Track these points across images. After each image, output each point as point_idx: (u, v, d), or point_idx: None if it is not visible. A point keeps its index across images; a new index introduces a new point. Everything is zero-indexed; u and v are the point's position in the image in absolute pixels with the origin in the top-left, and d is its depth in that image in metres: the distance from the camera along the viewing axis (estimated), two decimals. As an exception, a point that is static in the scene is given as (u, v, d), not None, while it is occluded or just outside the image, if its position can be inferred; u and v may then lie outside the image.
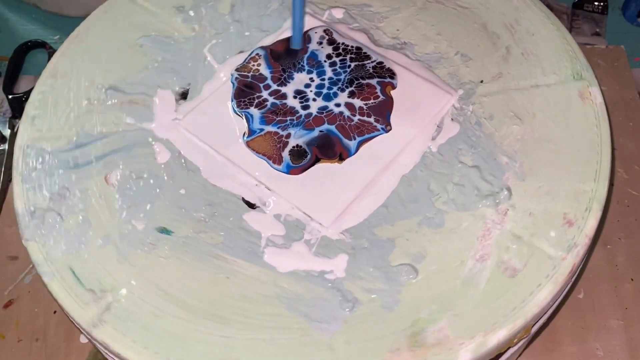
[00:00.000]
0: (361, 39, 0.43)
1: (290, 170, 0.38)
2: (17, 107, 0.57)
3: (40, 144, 0.38)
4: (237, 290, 0.33)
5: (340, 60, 0.42)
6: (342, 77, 0.41)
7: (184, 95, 0.41)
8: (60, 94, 0.41)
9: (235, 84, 0.41)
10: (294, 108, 0.40)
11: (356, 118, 0.40)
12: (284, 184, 0.37)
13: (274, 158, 0.38)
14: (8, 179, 0.53)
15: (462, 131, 0.38)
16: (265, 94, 0.40)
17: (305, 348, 0.31)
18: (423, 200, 0.36)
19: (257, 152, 0.38)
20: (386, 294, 0.32)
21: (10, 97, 0.59)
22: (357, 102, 0.40)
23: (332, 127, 0.39)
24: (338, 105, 0.40)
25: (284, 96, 0.40)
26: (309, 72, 0.41)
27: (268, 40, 0.43)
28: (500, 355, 0.34)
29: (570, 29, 0.64)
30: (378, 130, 0.39)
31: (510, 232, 0.34)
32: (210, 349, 0.31)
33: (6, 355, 0.44)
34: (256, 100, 0.40)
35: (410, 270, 0.33)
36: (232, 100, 0.40)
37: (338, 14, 0.44)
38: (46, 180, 0.37)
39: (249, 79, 0.41)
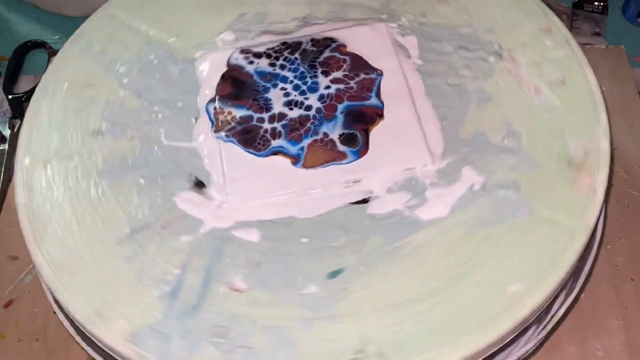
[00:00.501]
0: (271, 39, 0.44)
1: (360, 153, 0.38)
2: (17, 107, 0.58)
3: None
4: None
5: (284, 60, 0.43)
6: (302, 69, 0.42)
7: (200, 184, 0.38)
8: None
9: (235, 139, 0.39)
10: (301, 115, 0.40)
11: (352, 83, 0.41)
12: (371, 164, 0.38)
13: (338, 157, 0.38)
14: (8, 179, 0.53)
15: (421, 37, 0.44)
16: (267, 125, 0.40)
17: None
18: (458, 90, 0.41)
19: (321, 164, 0.38)
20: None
21: (10, 97, 0.59)
22: (337, 74, 0.42)
23: (345, 103, 0.41)
24: (328, 87, 0.41)
25: (282, 115, 0.40)
26: (274, 85, 0.42)
27: (205, 96, 0.41)
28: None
29: (571, 29, 0.64)
30: (375, 77, 0.42)
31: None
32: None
33: (6, 355, 0.44)
34: (268, 134, 0.40)
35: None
36: (250, 152, 0.39)
37: (229, 36, 0.44)
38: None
39: (240, 127, 0.40)
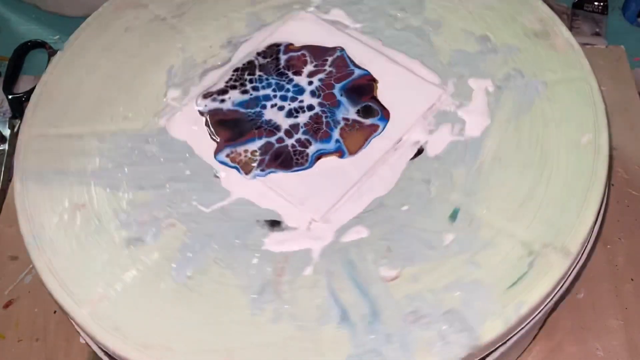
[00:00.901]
0: (219, 73, 0.43)
1: (385, 117, 0.40)
2: (17, 107, 0.58)
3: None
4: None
5: (251, 82, 0.42)
6: (274, 81, 0.42)
7: (274, 224, 0.37)
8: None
9: (273, 169, 0.38)
10: (310, 115, 0.41)
11: (327, 67, 0.42)
12: (400, 121, 0.40)
13: (371, 130, 0.40)
14: (8, 179, 0.53)
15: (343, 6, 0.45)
16: (290, 141, 0.39)
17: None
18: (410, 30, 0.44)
19: (363, 145, 0.39)
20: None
21: (10, 97, 0.59)
22: (308, 67, 0.43)
23: (338, 86, 0.42)
24: (310, 82, 0.42)
25: (295, 125, 0.40)
26: (263, 107, 0.41)
27: (205, 151, 0.39)
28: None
29: (571, 29, 0.63)
30: (340, 53, 0.43)
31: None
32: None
33: (6, 355, 0.44)
34: (298, 146, 0.39)
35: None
36: (296, 170, 0.38)
37: (174, 92, 0.43)
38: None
39: (268, 155, 0.39)
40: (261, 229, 0.36)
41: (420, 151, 0.39)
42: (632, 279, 0.45)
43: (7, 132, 0.57)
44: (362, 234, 0.36)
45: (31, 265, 0.46)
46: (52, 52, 0.61)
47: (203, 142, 0.40)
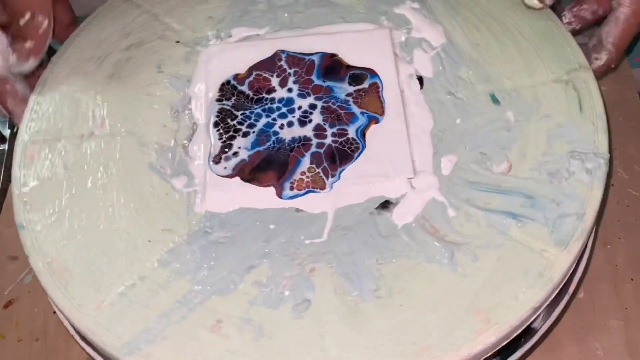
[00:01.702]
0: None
1: (374, 74, 0.44)
2: (17, 107, 0.57)
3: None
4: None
5: (244, 119, 0.43)
6: (259, 107, 0.43)
7: (385, 205, 0.39)
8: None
9: (342, 168, 0.41)
10: (320, 109, 0.43)
11: (289, 70, 0.45)
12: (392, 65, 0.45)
13: (375, 89, 0.44)
14: (8, 179, 0.53)
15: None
16: (327, 140, 0.42)
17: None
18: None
19: (381, 104, 0.43)
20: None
21: (9, 97, 0.59)
22: (273, 81, 0.45)
23: (315, 74, 0.45)
24: (290, 90, 0.44)
25: (318, 127, 0.42)
26: (275, 133, 0.42)
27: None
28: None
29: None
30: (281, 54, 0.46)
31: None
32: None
33: (6, 355, 0.45)
34: (339, 146, 0.42)
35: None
36: (345, 167, 0.41)
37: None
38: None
39: (325, 156, 0.41)
40: (381, 216, 0.38)
41: (420, 79, 0.44)
42: (632, 279, 0.47)
43: (7, 132, 0.57)
44: (453, 159, 0.39)
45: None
46: (52, 52, 0.61)
47: (257, 195, 0.40)
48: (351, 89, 0.44)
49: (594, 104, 0.41)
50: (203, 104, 0.44)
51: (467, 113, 0.42)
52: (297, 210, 0.39)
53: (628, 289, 0.47)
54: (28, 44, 0.43)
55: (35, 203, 0.40)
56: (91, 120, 0.44)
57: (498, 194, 0.38)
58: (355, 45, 0.46)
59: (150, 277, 0.37)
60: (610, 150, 0.39)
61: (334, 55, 0.46)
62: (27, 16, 0.42)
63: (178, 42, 0.48)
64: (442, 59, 0.45)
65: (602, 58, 0.44)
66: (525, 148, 0.40)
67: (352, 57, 0.45)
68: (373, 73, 0.44)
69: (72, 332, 0.39)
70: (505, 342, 0.35)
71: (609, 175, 0.38)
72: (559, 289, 0.36)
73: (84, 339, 0.39)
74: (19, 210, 0.40)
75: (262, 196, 0.40)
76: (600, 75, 0.44)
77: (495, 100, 0.42)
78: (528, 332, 0.38)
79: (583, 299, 0.47)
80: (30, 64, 0.44)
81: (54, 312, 0.46)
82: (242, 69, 0.46)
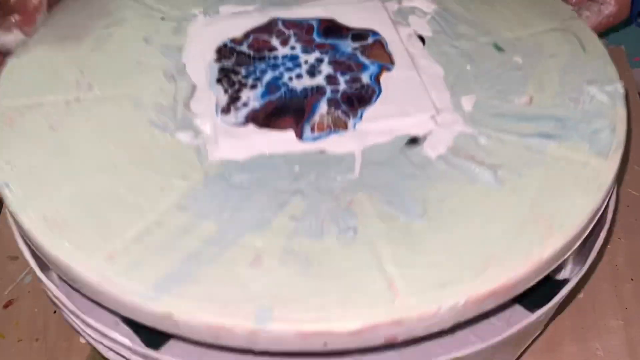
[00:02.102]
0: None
1: (377, 34, 0.44)
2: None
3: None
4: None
5: (249, 73, 0.41)
6: (264, 63, 0.42)
7: (414, 141, 0.37)
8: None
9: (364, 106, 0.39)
10: (329, 61, 0.42)
11: (288, 32, 0.44)
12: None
13: (381, 45, 0.43)
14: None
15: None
16: (342, 87, 0.40)
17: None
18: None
19: (391, 59, 0.42)
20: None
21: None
22: (276, 40, 0.44)
23: (316, 34, 0.44)
24: (293, 48, 0.43)
25: (331, 77, 0.41)
26: (285, 84, 0.40)
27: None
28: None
29: None
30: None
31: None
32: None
33: (6, 355, 0.42)
34: (355, 91, 0.40)
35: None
36: (365, 108, 0.39)
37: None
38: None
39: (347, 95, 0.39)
40: (412, 150, 0.36)
41: (422, 38, 0.44)
42: (632, 279, 0.46)
43: None
44: (472, 98, 0.38)
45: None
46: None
47: (276, 139, 0.37)
48: (355, 44, 0.43)
49: (595, 44, 0.42)
50: (201, 66, 0.41)
51: (475, 60, 0.42)
52: (321, 152, 0.36)
53: (628, 289, 0.46)
54: (14, 17, 0.42)
55: (20, 161, 0.35)
56: (75, 87, 0.40)
57: (527, 122, 0.38)
58: (351, 14, 0.45)
59: (167, 221, 0.33)
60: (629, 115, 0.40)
61: (330, 20, 0.45)
62: None
63: (163, 18, 0.46)
64: (438, 21, 0.45)
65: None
66: (541, 82, 0.40)
67: (350, 22, 0.45)
68: (374, 32, 0.44)
69: (78, 325, 0.33)
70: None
71: (629, 109, 0.38)
72: (609, 197, 0.35)
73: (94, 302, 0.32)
74: (3, 167, 0.35)
75: (282, 139, 0.37)
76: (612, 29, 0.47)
77: (499, 48, 0.42)
78: (558, 284, 0.36)
79: (583, 299, 0.46)
80: (13, 37, 0.43)
81: (54, 311, 0.44)
82: (237, 34, 0.44)
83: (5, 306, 0.46)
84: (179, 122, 0.38)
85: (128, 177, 0.35)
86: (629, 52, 0.61)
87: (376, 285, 0.30)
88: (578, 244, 0.33)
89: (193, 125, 0.38)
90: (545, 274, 0.32)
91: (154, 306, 0.29)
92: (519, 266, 0.30)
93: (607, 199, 0.34)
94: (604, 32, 0.50)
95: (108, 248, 0.31)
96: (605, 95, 0.38)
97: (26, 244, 0.35)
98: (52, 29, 0.45)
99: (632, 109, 0.56)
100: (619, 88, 0.39)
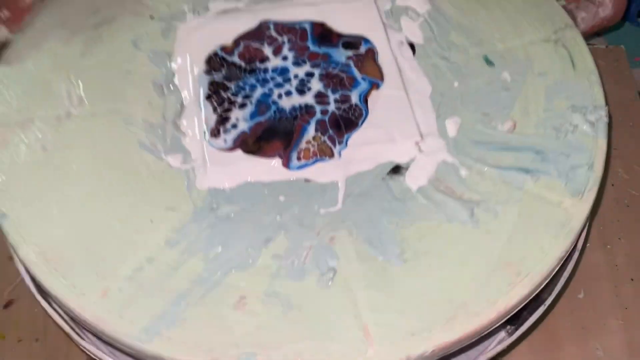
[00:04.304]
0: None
1: (369, 41, 0.43)
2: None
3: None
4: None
5: (239, 90, 0.41)
6: (253, 78, 0.41)
7: (397, 170, 0.38)
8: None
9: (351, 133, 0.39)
10: (320, 76, 0.41)
11: (281, 38, 0.43)
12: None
13: (371, 54, 0.42)
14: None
15: None
16: (331, 107, 0.40)
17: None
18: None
19: (381, 73, 0.42)
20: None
21: None
22: (268, 49, 0.43)
23: (310, 40, 0.43)
24: (285, 58, 0.43)
25: (320, 94, 0.41)
26: (274, 102, 0.40)
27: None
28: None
29: None
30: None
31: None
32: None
33: (6, 355, 0.43)
34: (342, 113, 0.40)
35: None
36: (350, 133, 0.39)
37: None
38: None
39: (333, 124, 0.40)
40: (394, 180, 0.37)
41: (412, 46, 0.43)
42: (632, 279, 0.47)
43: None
44: (457, 121, 0.39)
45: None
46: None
47: (261, 168, 0.38)
48: (348, 53, 0.43)
49: (585, 60, 0.42)
50: (190, 78, 0.42)
51: (464, 76, 0.42)
52: (306, 180, 0.37)
53: (628, 289, 0.47)
54: (3, 13, 0.42)
55: (15, 190, 0.37)
56: (67, 99, 0.41)
57: (508, 151, 0.38)
58: (343, 14, 0.45)
59: (158, 258, 0.35)
60: (610, 150, 0.40)
61: (322, 24, 0.44)
62: None
63: (152, 17, 0.45)
64: (430, 25, 0.45)
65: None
66: (526, 105, 0.40)
67: (341, 26, 0.44)
68: (365, 39, 0.43)
69: (74, 335, 0.36)
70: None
71: (609, 137, 0.39)
72: (578, 239, 0.36)
73: (87, 333, 0.35)
74: (-1, 199, 0.36)
75: (268, 168, 0.38)
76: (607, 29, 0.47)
77: (489, 62, 0.42)
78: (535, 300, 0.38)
79: (583, 299, 0.47)
80: (0, 32, 0.42)
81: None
82: (227, 41, 0.43)
83: (6, 306, 0.47)
84: (168, 143, 0.39)
85: (120, 208, 0.36)
86: (629, 52, 0.60)
87: (351, 333, 0.32)
88: (543, 286, 0.35)
89: (182, 146, 0.39)
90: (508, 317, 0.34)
91: (145, 347, 0.32)
92: (485, 314, 0.33)
93: (575, 242, 0.36)
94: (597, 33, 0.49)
95: (102, 286, 0.34)
96: (589, 125, 0.39)
97: (25, 269, 0.37)
98: (41, 28, 0.44)
99: (632, 109, 0.57)
100: (603, 116, 0.39)
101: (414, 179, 0.38)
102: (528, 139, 0.39)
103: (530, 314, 0.39)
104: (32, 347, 0.44)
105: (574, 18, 0.47)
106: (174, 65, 0.43)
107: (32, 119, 0.40)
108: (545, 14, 0.45)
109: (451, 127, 0.40)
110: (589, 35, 0.51)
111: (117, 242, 0.35)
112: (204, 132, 0.39)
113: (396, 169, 0.38)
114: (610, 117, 0.40)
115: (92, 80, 0.42)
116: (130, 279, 0.34)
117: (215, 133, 0.39)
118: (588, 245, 0.48)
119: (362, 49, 0.43)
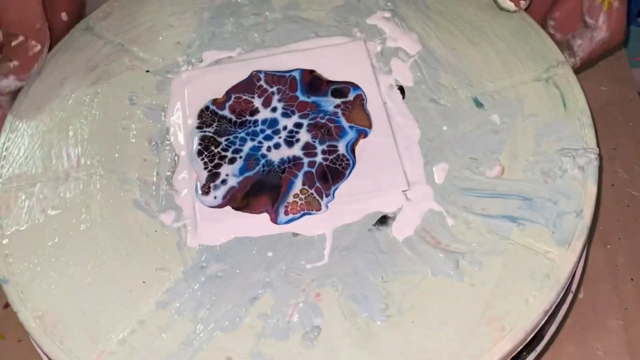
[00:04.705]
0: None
1: (357, 86, 0.44)
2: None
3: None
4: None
5: (228, 144, 0.42)
6: (243, 131, 0.42)
7: (384, 220, 0.38)
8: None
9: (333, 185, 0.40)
10: (307, 127, 0.42)
11: (272, 88, 0.44)
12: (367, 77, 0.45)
13: (360, 101, 0.43)
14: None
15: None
16: (318, 158, 0.41)
17: None
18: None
19: (369, 121, 0.42)
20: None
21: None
22: (258, 100, 0.44)
23: (299, 91, 0.44)
24: (274, 109, 0.43)
25: (308, 145, 0.41)
26: (263, 156, 0.41)
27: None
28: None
29: None
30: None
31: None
32: None
33: (6, 355, 0.44)
34: (329, 164, 0.40)
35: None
36: (337, 185, 0.40)
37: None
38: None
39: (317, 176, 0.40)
40: (381, 232, 0.37)
41: (402, 89, 0.43)
42: (632, 279, 0.47)
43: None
44: (445, 167, 0.39)
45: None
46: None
47: (251, 223, 0.38)
48: (337, 101, 0.43)
49: (576, 99, 0.41)
50: (183, 133, 0.43)
51: (453, 119, 0.42)
52: (294, 234, 0.38)
53: (628, 289, 0.47)
54: (13, 63, 0.44)
55: (17, 254, 0.38)
56: (66, 160, 0.42)
57: (494, 198, 0.38)
58: (333, 59, 0.45)
59: (149, 320, 0.36)
60: (598, 144, 0.40)
61: (312, 71, 0.45)
62: (20, 39, 0.44)
63: (148, 71, 0.46)
64: (420, 66, 0.45)
65: (568, 63, 0.45)
66: (515, 149, 0.40)
67: (331, 72, 0.45)
68: (355, 86, 0.44)
69: None
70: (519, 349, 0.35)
71: (601, 170, 0.38)
72: (565, 289, 0.36)
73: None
74: (1, 263, 0.38)
75: (256, 223, 0.39)
76: None
77: (478, 104, 0.42)
78: (535, 337, 0.38)
79: (583, 299, 0.46)
80: (9, 82, 0.44)
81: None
82: (219, 93, 0.44)
83: (6, 306, 0.47)
84: (162, 201, 0.40)
85: (114, 270, 0.38)
86: (629, 52, 0.60)
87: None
88: (527, 341, 0.35)
89: (175, 204, 0.40)
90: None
91: (137, 414, 0.33)
92: (467, 373, 0.33)
93: (560, 295, 0.36)
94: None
95: (96, 350, 0.35)
96: (578, 169, 0.38)
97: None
98: (40, 88, 0.46)
99: (632, 109, 0.56)
100: (593, 160, 0.38)
101: (400, 229, 0.38)
102: (516, 184, 0.39)
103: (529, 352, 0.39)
104: (32, 347, 0.43)
105: (570, 47, 0.46)
106: (167, 119, 0.44)
107: (34, 183, 0.42)
108: (536, 51, 0.44)
109: (439, 173, 0.40)
110: (593, 62, 0.50)
111: (111, 305, 0.36)
112: (195, 189, 0.40)
113: (383, 219, 0.39)
114: (601, 160, 0.39)
115: (90, 139, 0.43)
116: (123, 342, 0.35)
117: (205, 190, 0.40)
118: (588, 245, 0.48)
119: (351, 95, 0.44)
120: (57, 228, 0.39)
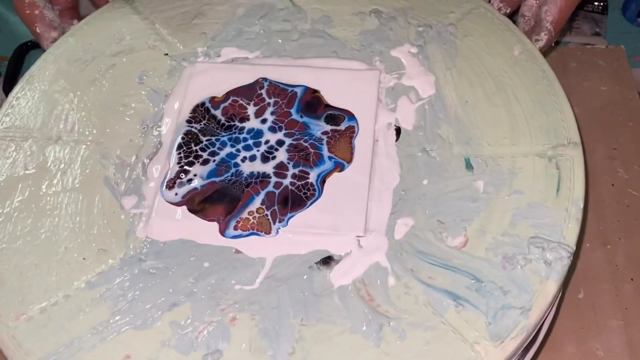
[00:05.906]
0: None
1: (352, 116, 0.42)
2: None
3: None
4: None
5: (208, 145, 0.41)
6: (226, 135, 0.42)
7: (327, 261, 0.37)
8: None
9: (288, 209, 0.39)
10: (287, 147, 0.41)
11: (269, 99, 0.43)
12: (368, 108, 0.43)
13: (349, 133, 0.42)
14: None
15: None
16: (286, 181, 0.40)
17: None
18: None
19: (351, 148, 0.41)
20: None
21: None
22: (252, 108, 0.43)
23: (295, 107, 0.43)
24: (264, 120, 0.43)
25: (282, 165, 0.40)
26: (236, 165, 0.41)
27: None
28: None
29: (570, 29, 0.64)
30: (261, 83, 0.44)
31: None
32: None
33: None
34: (295, 189, 0.40)
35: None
36: (295, 213, 0.39)
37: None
38: None
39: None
40: (320, 272, 0.36)
41: (398, 130, 0.41)
42: (632, 279, 0.47)
43: None
44: (409, 223, 0.37)
45: None
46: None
47: (200, 229, 0.38)
48: (328, 127, 0.42)
49: (573, 187, 0.38)
50: (173, 123, 0.43)
51: (436, 175, 0.40)
52: (237, 251, 0.38)
53: (628, 289, 0.46)
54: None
55: (-17, 204, 0.41)
56: (62, 123, 0.44)
57: (445, 269, 0.36)
58: (341, 84, 0.44)
59: (74, 297, 0.37)
60: (582, 238, 0.36)
61: (316, 91, 0.44)
62: None
63: (167, 54, 0.47)
64: (426, 111, 0.42)
65: (543, 39, 0.45)
66: (486, 224, 0.37)
67: (334, 96, 0.43)
68: (351, 115, 0.42)
69: None
70: None
71: (576, 256, 0.35)
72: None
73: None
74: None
75: (205, 231, 0.39)
76: (542, 53, 0.44)
77: (468, 165, 0.39)
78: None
79: (583, 299, 0.46)
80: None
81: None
82: (220, 92, 0.44)
83: None
84: (130, 185, 0.41)
85: (62, 239, 0.39)
86: (629, 52, 0.60)
87: None
88: None
89: (140, 191, 0.41)
90: None
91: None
92: None
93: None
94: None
95: (18, 311, 0.37)
96: (544, 264, 0.35)
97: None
98: (66, 48, 0.48)
99: (632, 109, 0.55)
100: (564, 258, 0.35)
101: (340, 275, 0.37)
102: (472, 261, 0.36)
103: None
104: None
105: (540, 21, 0.45)
106: (166, 106, 0.45)
107: (27, 137, 0.44)
108: (551, 124, 0.41)
109: (400, 228, 0.38)
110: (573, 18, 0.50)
111: (47, 272, 0.38)
112: (162, 182, 0.41)
113: (327, 260, 0.37)
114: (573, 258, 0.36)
115: (90, 108, 0.45)
116: (43, 311, 0.36)
117: (170, 184, 0.40)
118: (588, 245, 0.48)
119: (343, 125, 0.42)
120: (30, 185, 0.41)
